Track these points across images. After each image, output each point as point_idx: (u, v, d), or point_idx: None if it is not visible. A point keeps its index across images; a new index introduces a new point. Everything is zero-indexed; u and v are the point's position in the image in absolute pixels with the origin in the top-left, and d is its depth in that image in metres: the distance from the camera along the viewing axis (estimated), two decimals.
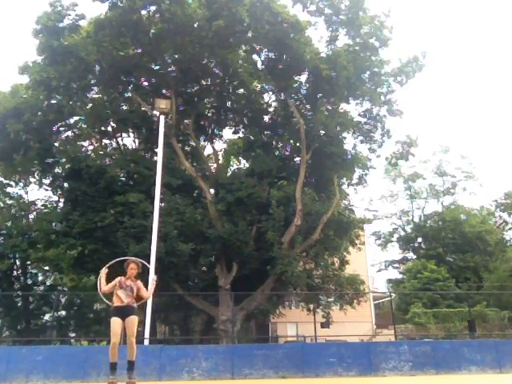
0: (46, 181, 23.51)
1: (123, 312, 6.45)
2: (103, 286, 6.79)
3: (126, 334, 6.43)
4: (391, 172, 42.43)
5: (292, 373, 11.57)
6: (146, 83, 21.25)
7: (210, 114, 22.80)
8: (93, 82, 20.05)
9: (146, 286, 7.26)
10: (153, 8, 17.28)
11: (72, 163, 20.03)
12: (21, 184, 25.83)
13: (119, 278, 6.78)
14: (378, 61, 18.86)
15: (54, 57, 18.25)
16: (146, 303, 14.07)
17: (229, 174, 23.02)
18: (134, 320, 6.50)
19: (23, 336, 24.20)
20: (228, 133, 44.13)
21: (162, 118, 17.03)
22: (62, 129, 21.88)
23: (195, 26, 17.35)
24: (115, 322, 6.39)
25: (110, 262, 7.58)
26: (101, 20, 17.63)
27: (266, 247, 18.25)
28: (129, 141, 24.50)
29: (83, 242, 18.33)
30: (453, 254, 37.87)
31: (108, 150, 24.18)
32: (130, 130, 23.13)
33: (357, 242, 22.93)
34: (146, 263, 7.79)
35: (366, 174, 21.92)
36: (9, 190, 26.50)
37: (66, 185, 21.42)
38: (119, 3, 16.97)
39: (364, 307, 25.09)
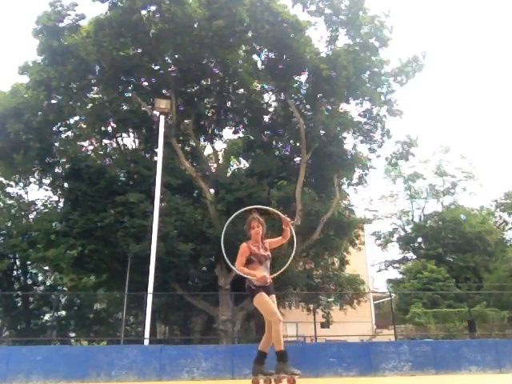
0: (46, 181, 23.52)
1: (268, 290, 5.09)
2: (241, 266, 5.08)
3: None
4: (391, 172, 42.39)
5: None
6: (146, 83, 21.24)
7: (210, 114, 22.78)
8: (93, 81, 20.05)
9: None
10: (153, 8, 17.29)
11: (72, 163, 20.03)
12: (21, 184, 25.78)
13: (245, 245, 5.15)
14: (378, 61, 18.86)
15: (54, 57, 18.26)
16: (145, 303, 14.12)
17: (229, 174, 23.00)
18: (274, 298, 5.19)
19: (23, 336, 24.19)
20: (228, 133, 44.04)
21: (162, 118, 17.04)
22: (62, 129, 21.85)
23: (195, 26, 17.37)
24: (266, 297, 5.01)
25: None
26: (101, 20, 17.63)
27: None
28: (129, 141, 24.52)
29: (83, 242, 18.31)
30: (453, 253, 37.85)
31: (108, 150, 24.16)
32: (130, 130, 23.11)
33: (357, 241, 22.96)
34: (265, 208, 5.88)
35: (366, 174, 21.94)
36: (9, 189, 26.49)
37: (66, 185, 21.41)
38: (119, 3, 16.98)
39: (364, 307, 25.14)
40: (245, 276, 5.08)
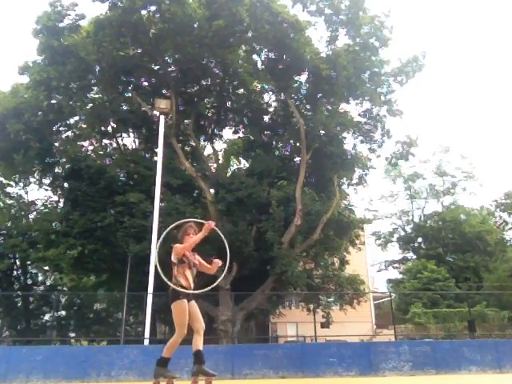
0: (46, 181, 23.54)
1: (189, 297, 5.41)
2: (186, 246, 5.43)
3: (193, 320, 5.31)
4: (391, 172, 42.41)
5: (292, 373, 11.56)
6: (146, 83, 21.22)
7: (210, 114, 22.78)
8: (93, 82, 20.04)
9: None
10: (153, 8, 17.27)
11: (72, 163, 20.04)
12: (21, 184, 25.80)
13: (182, 246, 5.59)
14: (378, 61, 18.84)
15: (54, 57, 18.27)
16: (145, 303, 14.11)
17: (229, 174, 23.01)
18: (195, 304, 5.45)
19: (23, 336, 24.22)
20: (228, 133, 44.08)
21: (162, 118, 17.04)
22: (62, 129, 21.88)
23: (195, 26, 17.34)
24: (185, 309, 5.26)
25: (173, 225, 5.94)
26: (101, 20, 17.62)
27: (266, 247, 18.24)
28: (129, 141, 24.54)
29: (83, 242, 18.32)
30: (453, 253, 37.87)
31: (108, 150, 24.18)
32: (130, 130, 23.12)
33: (357, 242, 22.95)
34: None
35: (366, 174, 21.90)
36: (9, 189, 26.50)
37: (66, 185, 21.43)
38: (119, 3, 16.96)
39: (364, 307, 25.12)
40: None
